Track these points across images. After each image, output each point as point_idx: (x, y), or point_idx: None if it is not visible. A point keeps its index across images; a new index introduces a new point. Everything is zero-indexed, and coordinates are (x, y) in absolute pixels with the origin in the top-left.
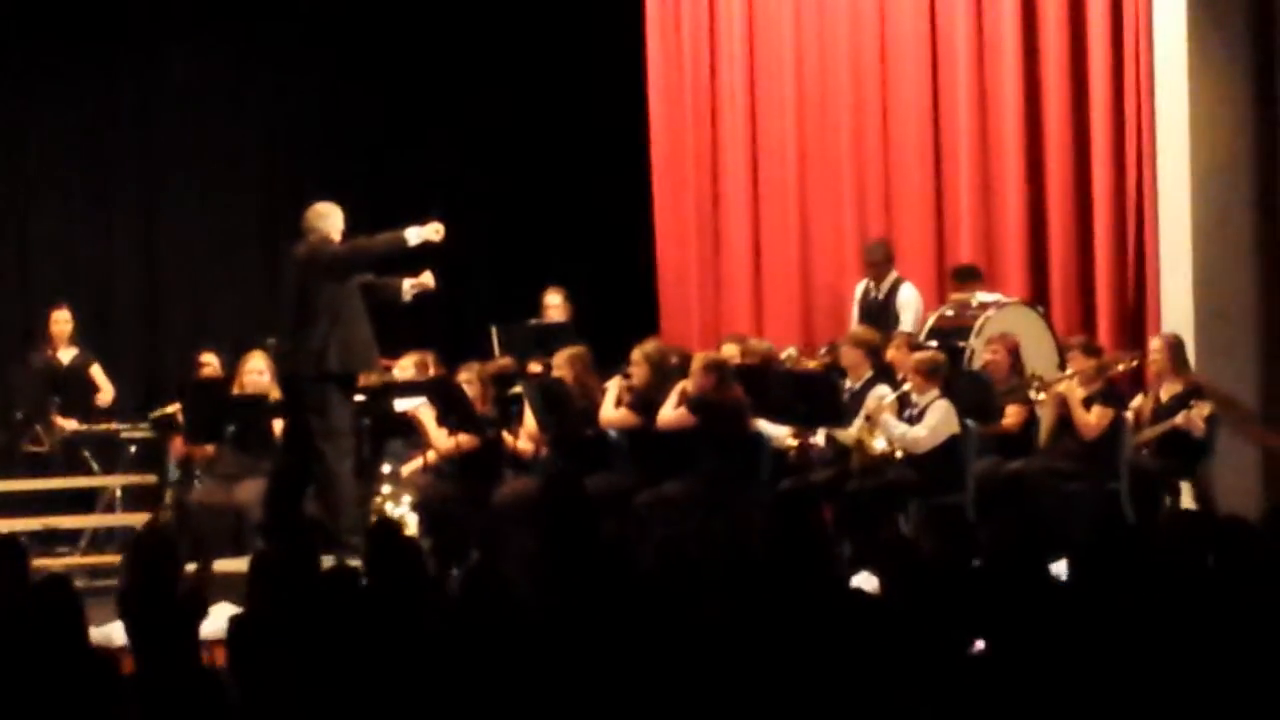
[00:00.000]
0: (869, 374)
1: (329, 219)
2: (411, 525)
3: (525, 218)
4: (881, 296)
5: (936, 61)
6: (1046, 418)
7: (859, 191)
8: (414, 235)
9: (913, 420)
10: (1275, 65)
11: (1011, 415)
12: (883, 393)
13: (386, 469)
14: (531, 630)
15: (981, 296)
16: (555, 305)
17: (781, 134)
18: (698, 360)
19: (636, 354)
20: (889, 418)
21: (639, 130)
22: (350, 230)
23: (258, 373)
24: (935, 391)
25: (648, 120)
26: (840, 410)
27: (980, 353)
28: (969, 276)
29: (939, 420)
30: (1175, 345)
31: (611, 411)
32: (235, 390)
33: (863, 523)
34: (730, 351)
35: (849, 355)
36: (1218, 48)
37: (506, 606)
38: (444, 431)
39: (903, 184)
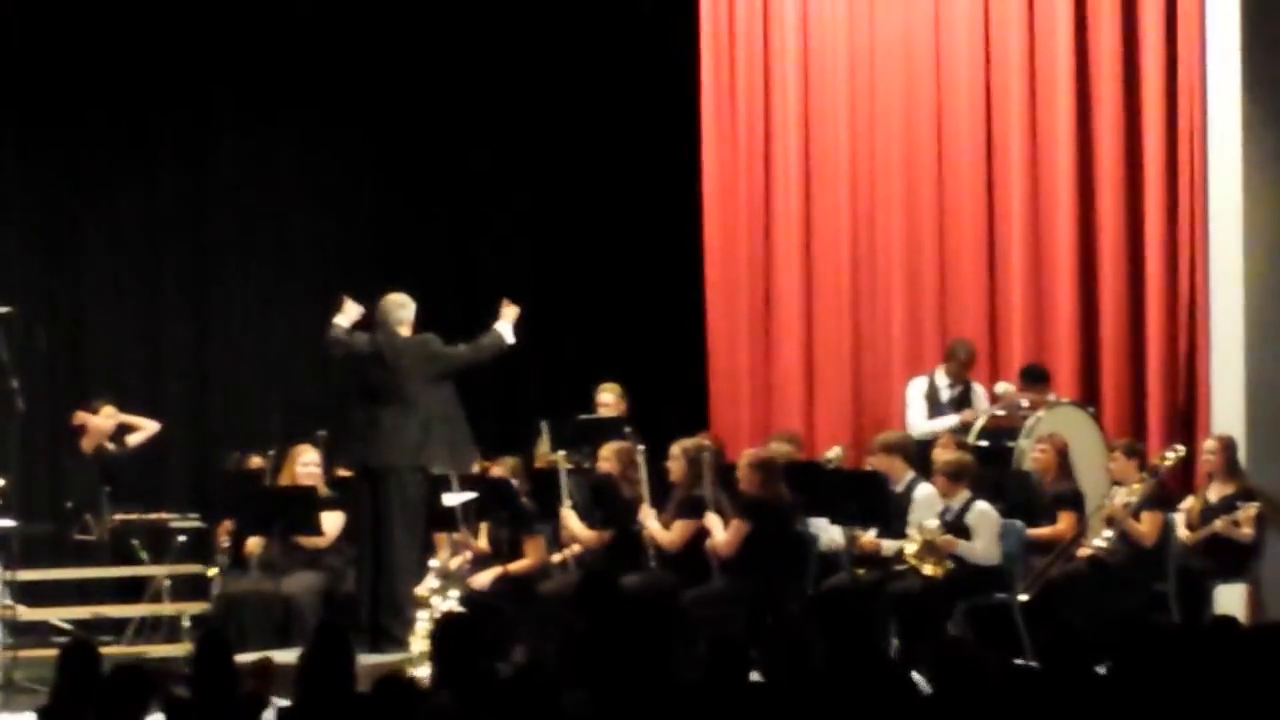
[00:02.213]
0: (910, 475)
1: (407, 309)
2: None
3: (576, 313)
4: (956, 395)
5: (990, 160)
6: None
7: (911, 292)
8: (507, 332)
9: (949, 523)
10: None
11: (1064, 523)
12: (927, 493)
13: (434, 564)
14: None
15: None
16: (608, 403)
17: (835, 232)
18: (744, 459)
19: (675, 449)
20: (963, 545)
21: (693, 227)
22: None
23: (312, 465)
24: (966, 493)
25: (702, 217)
26: (889, 511)
27: (1029, 453)
28: (1037, 378)
29: (989, 531)
30: (1229, 447)
31: (664, 536)
32: (285, 482)
33: (910, 622)
34: (780, 449)
35: (881, 462)
36: (1272, 143)
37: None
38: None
39: (955, 284)
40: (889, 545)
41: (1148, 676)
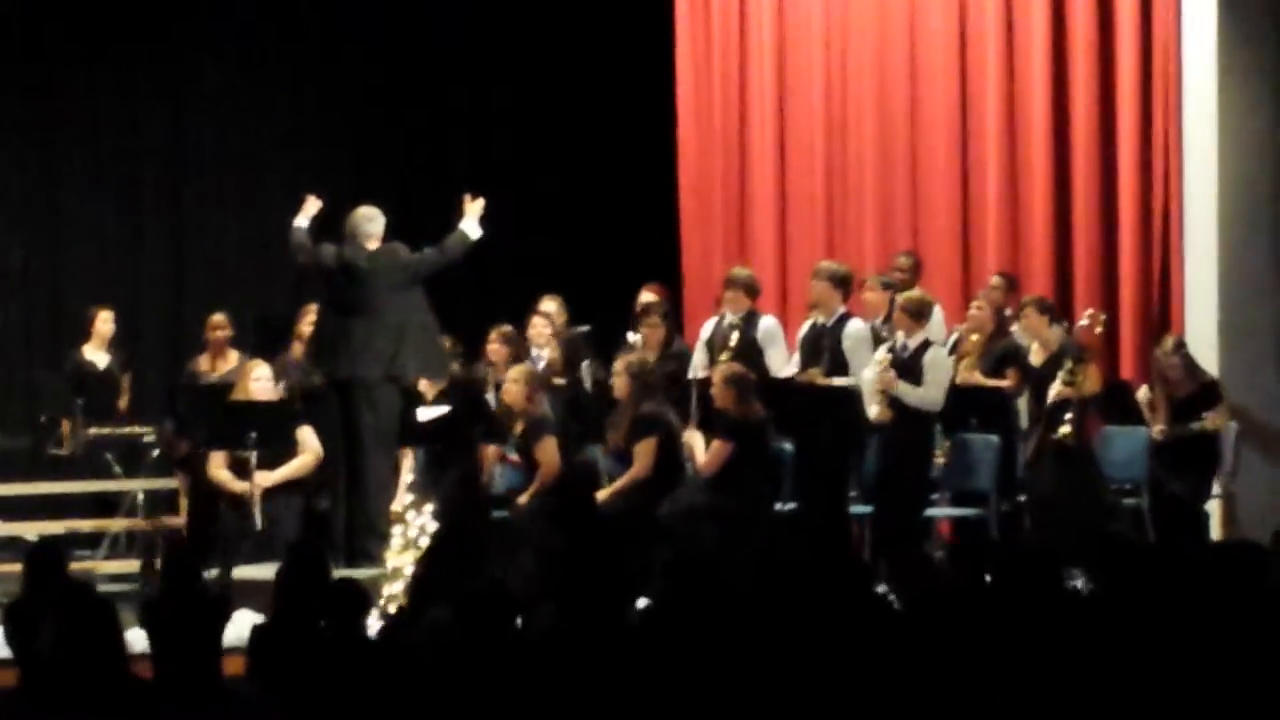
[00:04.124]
0: (841, 309)
1: (375, 222)
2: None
3: (550, 231)
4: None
5: (965, 73)
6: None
7: (885, 203)
8: (472, 228)
9: (904, 362)
10: None
11: (1011, 379)
12: (859, 329)
13: (409, 478)
14: (535, 646)
15: None
16: (550, 313)
17: (809, 147)
18: (718, 375)
19: (617, 365)
20: (903, 386)
21: (668, 144)
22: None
23: (266, 379)
24: (922, 334)
25: (676, 135)
26: (863, 432)
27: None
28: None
29: (937, 379)
30: (1182, 347)
31: (704, 459)
32: (240, 397)
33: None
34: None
35: (822, 291)
36: (1247, 52)
37: (508, 623)
38: None
39: (929, 195)
40: (839, 382)
41: (1125, 597)
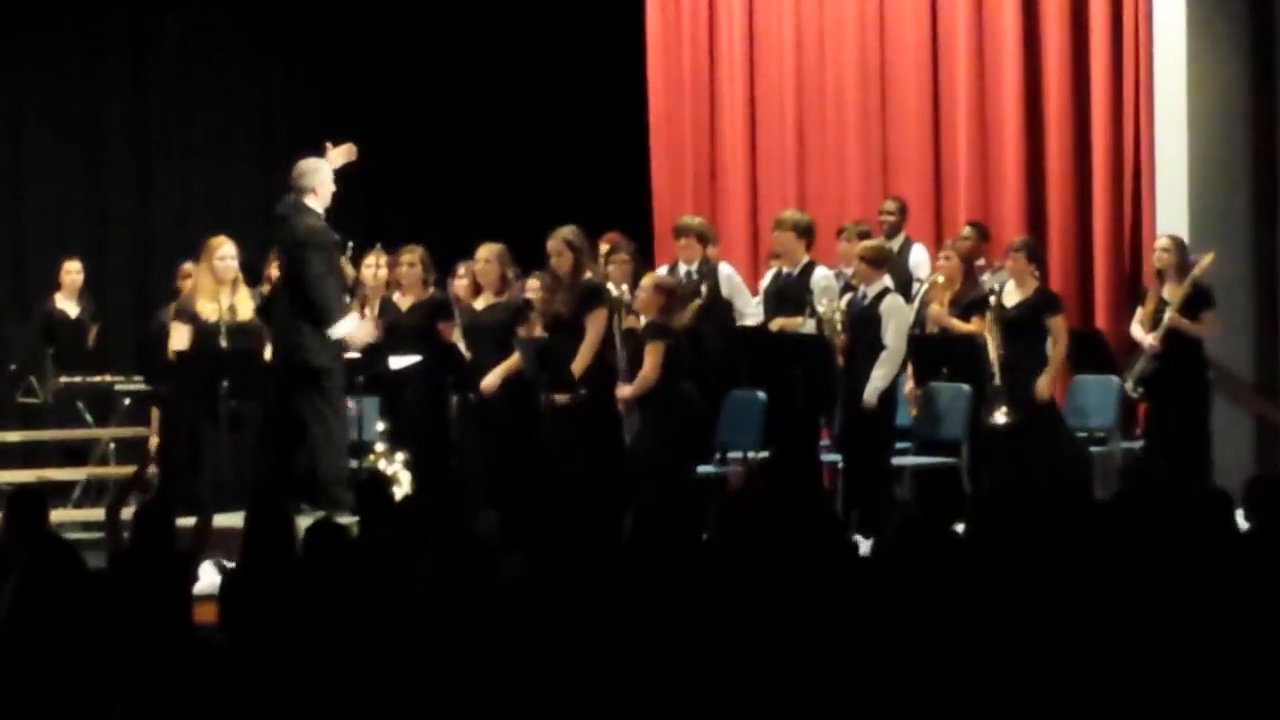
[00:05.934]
0: (806, 258)
1: (307, 177)
2: (404, 483)
3: (520, 191)
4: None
5: (935, 23)
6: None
7: (857, 152)
8: (345, 329)
9: (863, 308)
10: (1274, 28)
11: (974, 326)
12: (824, 276)
13: (380, 426)
14: (507, 594)
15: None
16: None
17: (780, 95)
18: (647, 280)
19: (553, 242)
20: (871, 386)
21: (638, 99)
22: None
23: (231, 258)
24: (882, 280)
25: (646, 89)
26: (835, 381)
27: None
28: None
29: (897, 325)
30: (1180, 246)
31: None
32: (204, 277)
33: (861, 489)
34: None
35: (786, 241)
36: (1215, 7)
37: (483, 568)
38: None
39: (900, 145)
40: (809, 329)
41: (1090, 550)
